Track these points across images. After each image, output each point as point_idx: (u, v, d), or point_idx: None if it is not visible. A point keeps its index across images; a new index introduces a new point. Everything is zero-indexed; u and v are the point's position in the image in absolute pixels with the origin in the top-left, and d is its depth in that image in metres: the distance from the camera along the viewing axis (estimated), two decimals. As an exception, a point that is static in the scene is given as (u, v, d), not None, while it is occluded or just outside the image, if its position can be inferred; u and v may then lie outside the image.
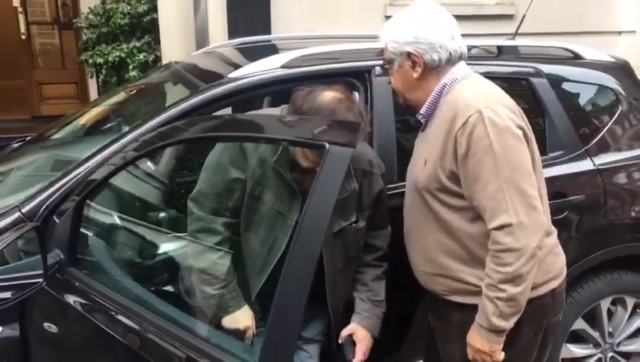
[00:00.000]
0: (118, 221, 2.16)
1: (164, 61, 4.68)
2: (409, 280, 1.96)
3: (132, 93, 3.02)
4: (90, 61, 5.25)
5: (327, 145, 1.27)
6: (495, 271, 1.64)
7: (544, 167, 1.88)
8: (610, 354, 2.72)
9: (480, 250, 1.73)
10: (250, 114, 2.49)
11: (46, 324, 1.88)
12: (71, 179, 2.09)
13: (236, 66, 2.43)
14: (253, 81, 2.29)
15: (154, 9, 5.04)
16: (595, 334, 2.66)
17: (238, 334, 1.82)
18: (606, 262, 2.54)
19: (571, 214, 2.42)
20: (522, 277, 1.63)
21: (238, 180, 1.84)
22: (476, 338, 1.73)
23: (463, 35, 1.79)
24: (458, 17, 1.82)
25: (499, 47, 2.68)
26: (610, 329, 2.69)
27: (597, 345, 2.68)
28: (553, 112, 2.48)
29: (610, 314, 2.69)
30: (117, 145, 2.12)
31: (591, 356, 2.69)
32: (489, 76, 1.88)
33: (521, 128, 1.70)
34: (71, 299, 1.84)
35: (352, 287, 2.02)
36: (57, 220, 1.99)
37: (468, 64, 1.83)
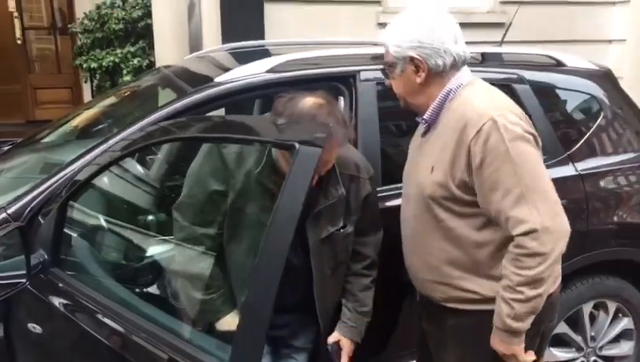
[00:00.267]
0: (103, 222, 2.18)
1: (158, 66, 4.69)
2: (397, 280, 1.97)
3: (122, 96, 3.04)
4: (84, 66, 5.28)
5: (297, 145, 1.30)
6: (515, 274, 1.60)
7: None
8: (592, 358, 2.74)
9: (484, 258, 1.72)
10: (226, 116, 2.51)
11: (30, 325, 1.89)
12: (57, 181, 2.10)
13: (226, 70, 2.42)
14: (238, 85, 2.30)
15: (148, 15, 5.07)
16: (578, 338, 2.69)
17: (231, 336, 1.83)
18: (588, 266, 2.55)
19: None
20: (543, 281, 1.60)
21: (219, 192, 1.83)
22: (496, 342, 1.70)
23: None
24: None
25: (483, 54, 2.71)
26: (593, 334, 2.72)
27: (579, 348, 2.71)
28: (535, 118, 2.48)
29: (592, 318, 2.72)
30: (102, 148, 2.14)
31: (574, 359, 2.71)
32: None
33: (532, 134, 1.68)
34: (54, 299, 1.85)
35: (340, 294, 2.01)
36: (42, 221, 2.02)
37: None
